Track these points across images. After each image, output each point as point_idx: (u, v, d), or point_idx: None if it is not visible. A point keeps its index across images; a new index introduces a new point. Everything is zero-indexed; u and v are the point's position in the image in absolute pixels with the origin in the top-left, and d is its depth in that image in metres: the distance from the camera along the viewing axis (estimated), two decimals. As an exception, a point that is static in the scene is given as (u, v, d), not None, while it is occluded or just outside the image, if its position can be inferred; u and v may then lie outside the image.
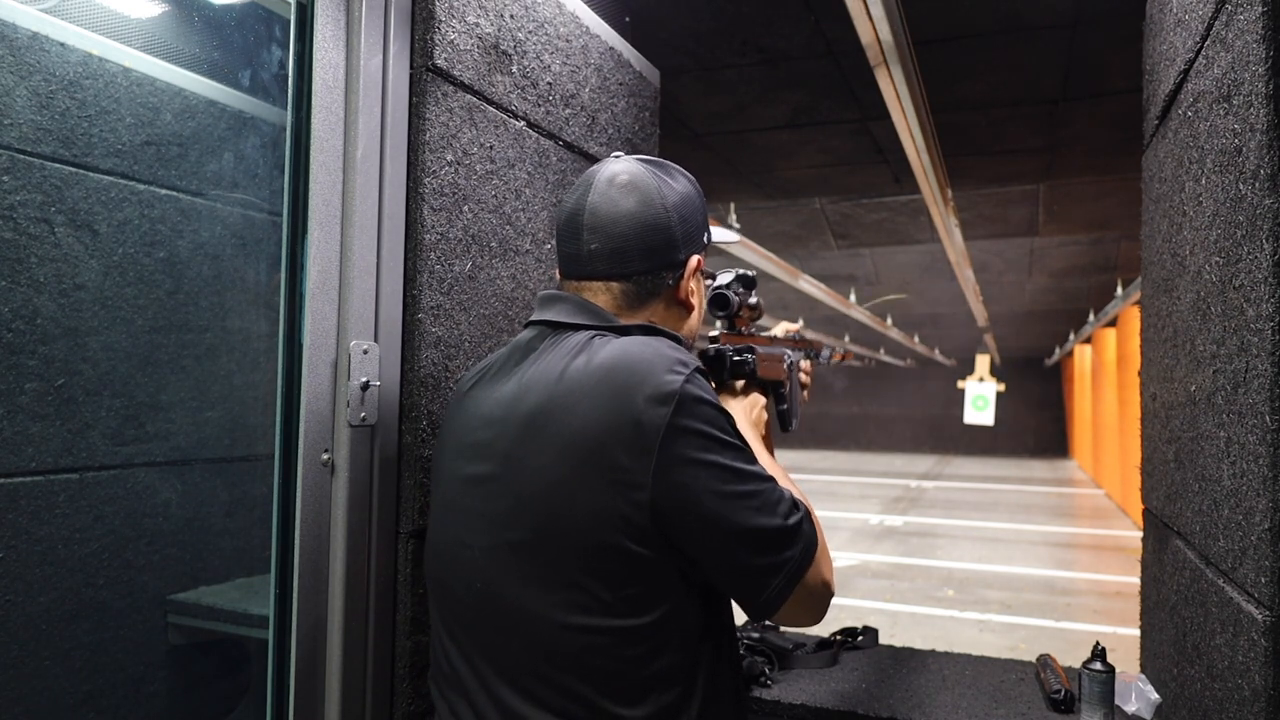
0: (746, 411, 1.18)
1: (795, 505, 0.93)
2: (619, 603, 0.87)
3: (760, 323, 1.35)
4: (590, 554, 0.87)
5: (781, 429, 1.28)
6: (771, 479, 0.92)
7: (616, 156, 1.07)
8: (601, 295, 1.03)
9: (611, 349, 0.93)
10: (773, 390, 1.28)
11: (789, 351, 1.32)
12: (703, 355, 1.20)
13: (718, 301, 1.22)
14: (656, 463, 0.86)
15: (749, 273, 1.26)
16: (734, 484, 0.88)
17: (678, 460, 0.86)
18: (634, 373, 0.89)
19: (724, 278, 1.24)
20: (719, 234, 1.15)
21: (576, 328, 0.99)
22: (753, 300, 1.25)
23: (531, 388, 0.95)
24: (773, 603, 0.90)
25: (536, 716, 0.89)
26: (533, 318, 1.05)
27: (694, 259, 1.06)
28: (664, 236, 1.02)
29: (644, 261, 1.02)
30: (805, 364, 1.40)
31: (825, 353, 1.48)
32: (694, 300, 1.08)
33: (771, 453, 1.17)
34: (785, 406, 1.29)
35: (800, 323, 1.43)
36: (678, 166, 1.10)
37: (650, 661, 0.88)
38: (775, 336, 1.34)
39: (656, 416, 0.86)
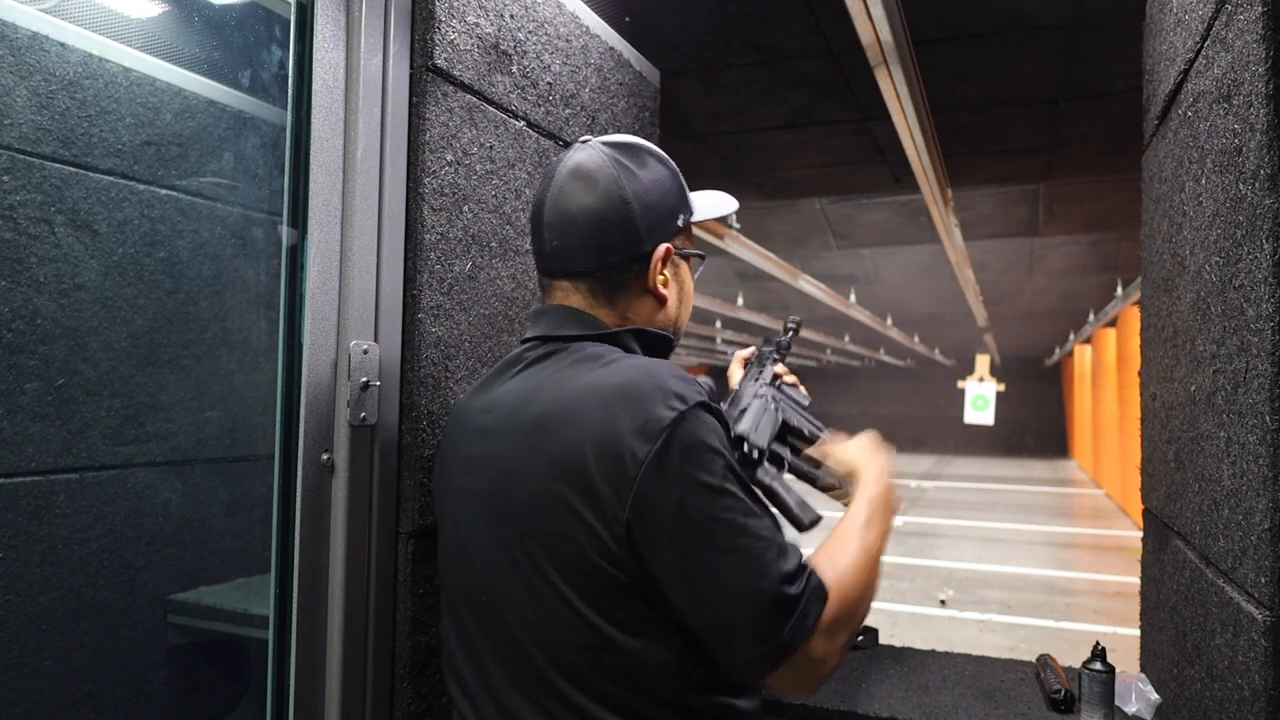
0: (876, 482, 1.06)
1: (797, 571, 0.84)
2: (608, 624, 0.86)
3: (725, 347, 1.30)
4: (577, 575, 0.86)
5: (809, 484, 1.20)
6: (768, 537, 0.84)
7: (584, 142, 1.04)
8: (574, 295, 1.01)
9: (607, 374, 0.90)
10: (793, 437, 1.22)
11: (757, 384, 1.26)
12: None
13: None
14: (634, 498, 0.83)
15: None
16: (716, 537, 0.82)
17: (654, 502, 0.83)
18: (628, 403, 0.86)
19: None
20: (712, 205, 1.07)
21: (566, 339, 0.98)
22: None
23: (523, 405, 0.94)
24: (746, 671, 0.85)
25: None
26: (525, 335, 1.04)
27: (661, 248, 1.02)
28: (624, 230, 0.98)
29: (605, 257, 0.99)
30: (779, 369, 1.32)
31: (785, 338, 1.38)
32: (666, 291, 1.04)
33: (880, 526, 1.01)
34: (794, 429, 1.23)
35: (750, 349, 1.37)
36: (652, 149, 1.05)
37: (644, 680, 0.87)
38: (737, 391, 1.26)
39: (639, 452, 0.83)
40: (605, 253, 0.98)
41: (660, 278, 1.02)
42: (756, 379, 1.29)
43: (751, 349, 1.38)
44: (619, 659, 0.87)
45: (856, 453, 1.13)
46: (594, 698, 0.87)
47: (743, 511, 0.84)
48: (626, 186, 0.99)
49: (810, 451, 1.20)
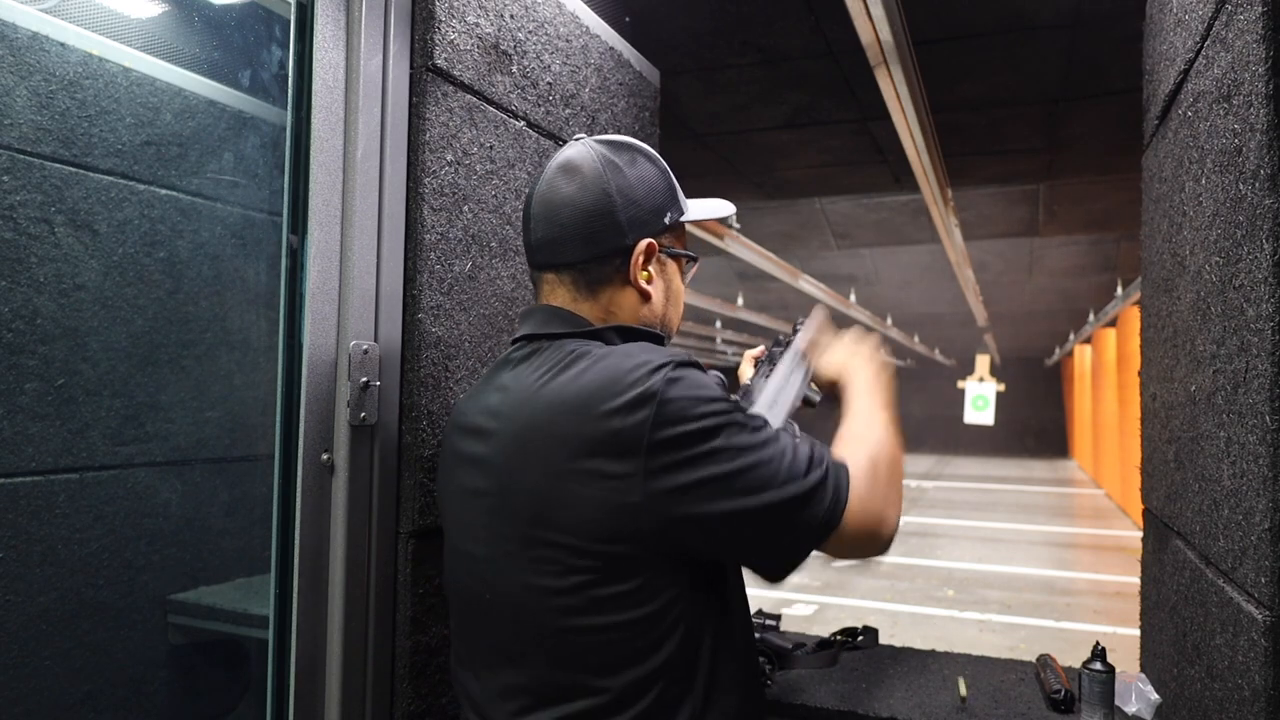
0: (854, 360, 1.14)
1: (813, 461, 0.89)
2: (615, 598, 0.88)
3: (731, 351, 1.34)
4: (582, 560, 0.87)
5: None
6: (775, 441, 0.89)
7: (577, 139, 1.06)
8: (559, 288, 1.03)
9: (590, 363, 0.92)
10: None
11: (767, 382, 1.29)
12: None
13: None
14: (645, 469, 0.85)
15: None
16: (737, 466, 0.86)
17: (668, 466, 0.85)
18: (613, 382, 0.88)
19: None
20: (706, 209, 1.08)
21: (553, 337, 1.00)
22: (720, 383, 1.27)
23: (515, 404, 0.95)
24: (788, 565, 0.91)
25: (547, 714, 0.91)
26: (514, 334, 1.06)
27: (643, 243, 1.02)
28: (605, 222, 0.99)
29: (585, 249, 1.00)
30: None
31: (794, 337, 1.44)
32: (650, 287, 1.04)
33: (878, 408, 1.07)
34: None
35: (760, 348, 1.39)
36: (643, 148, 1.07)
37: (653, 654, 0.89)
38: (749, 385, 1.29)
39: (635, 422, 0.85)
40: (587, 244, 1.00)
41: (644, 274, 1.03)
42: (767, 376, 1.30)
43: (761, 348, 1.39)
44: (624, 638, 0.88)
45: (840, 355, 1.18)
46: (600, 677, 0.89)
47: (750, 432, 0.88)
48: (610, 181, 1.00)
49: (797, 348, 1.24)
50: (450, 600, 1.06)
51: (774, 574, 0.91)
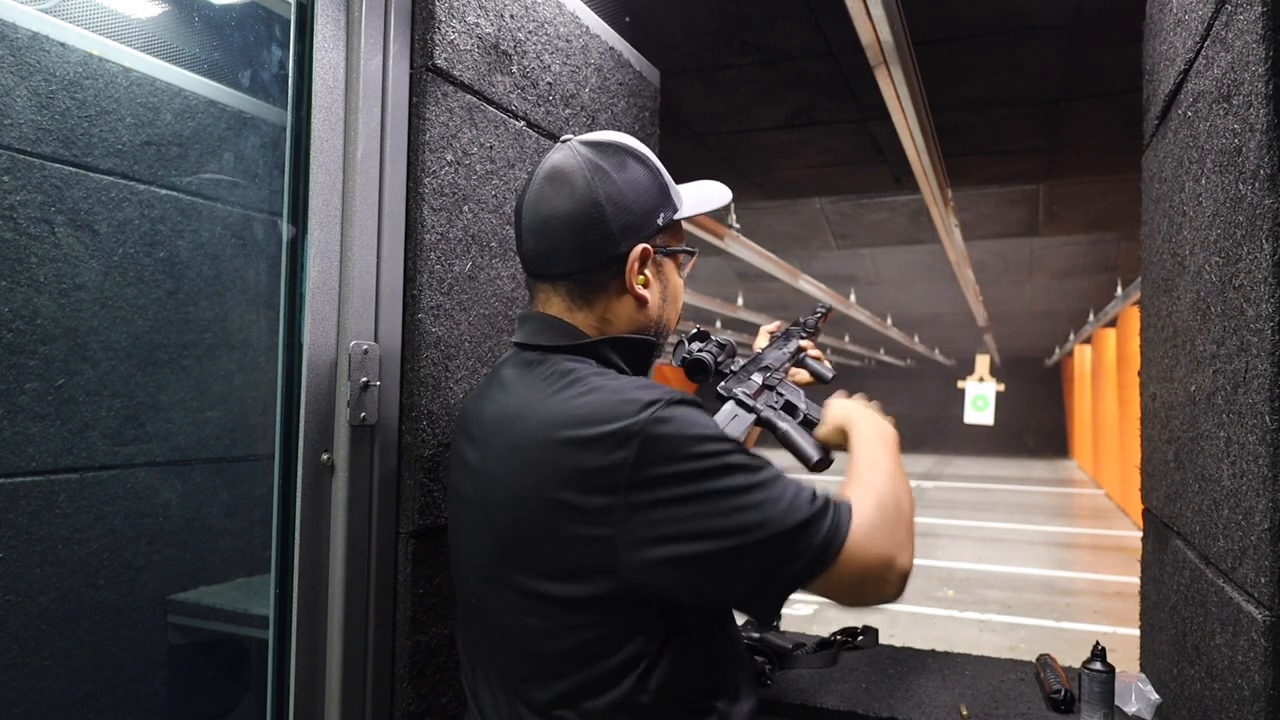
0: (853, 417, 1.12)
1: (813, 499, 0.86)
2: (590, 642, 0.87)
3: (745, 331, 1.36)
4: (552, 588, 0.87)
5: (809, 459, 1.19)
6: (775, 482, 0.86)
7: (565, 141, 1.03)
8: (554, 298, 1.01)
9: (580, 391, 0.90)
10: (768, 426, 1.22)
11: (769, 363, 1.30)
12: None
13: (697, 368, 1.20)
14: (626, 504, 0.83)
15: (695, 330, 1.26)
16: (728, 507, 0.83)
17: (651, 504, 0.83)
18: (595, 416, 0.85)
19: (692, 345, 1.22)
20: (702, 200, 1.06)
21: (545, 349, 0.99)
22: (721, 345, 1.24)
23: (503, 420, 0.95)
24: (779, 602, 0.86)
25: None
26: (512, 338, 1.05)
27: (638, 248, 0.99)
28: (595, 232, 0.97)
29: (577, 260, 0.98)
30: (804, 343, 1.38)
31: (812, 320, 1.46)
32: (646, 292, 1.02)
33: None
34: (792, 421, 1.24)
35: (777, 323, 1.43)
36: (632, 148, 1.03)
37: (637, 692, 0.88)
38: (759, 353, 1.33)
39: (614, 461, 0.83)
40: (580, 256, 0.98)
41: (639, 278, 1.00)
42: (782, 349, 1.36)
43: (778, 323, 1.42)
44: (592, 670, 0.88)
45: (842, 409, 1.16)
46: (565, 705, 0.89)
47: (746, 473, 0.85)
48: (599, 189, 0.97)
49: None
50: (456, 594, 1.07)
51: (766, 613, 0.87)
